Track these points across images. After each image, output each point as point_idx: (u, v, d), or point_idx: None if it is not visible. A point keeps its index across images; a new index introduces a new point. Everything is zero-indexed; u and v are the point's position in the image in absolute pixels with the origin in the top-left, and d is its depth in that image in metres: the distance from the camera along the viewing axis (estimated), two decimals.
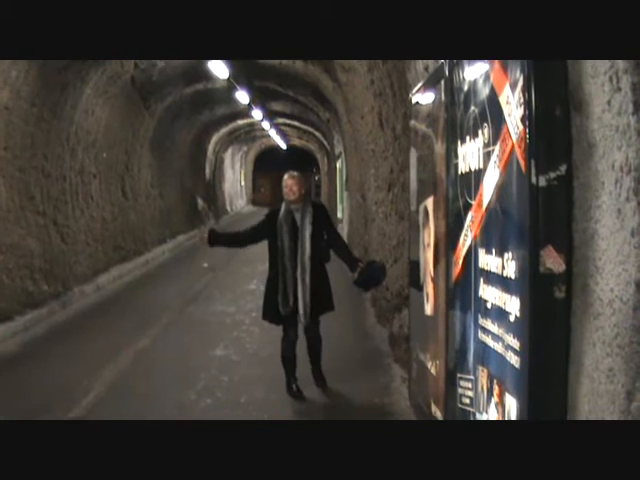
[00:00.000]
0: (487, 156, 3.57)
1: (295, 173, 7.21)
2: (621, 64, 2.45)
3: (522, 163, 3.02)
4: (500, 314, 3.40)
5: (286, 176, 7.11)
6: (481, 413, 3.86)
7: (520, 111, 3.04)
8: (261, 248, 7.43)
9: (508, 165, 3.24)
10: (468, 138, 3.97)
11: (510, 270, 3.24)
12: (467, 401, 4.14)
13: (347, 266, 7.15)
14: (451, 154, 4.39)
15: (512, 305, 3.21)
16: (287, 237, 6.95)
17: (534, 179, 2.91)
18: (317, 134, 31.83)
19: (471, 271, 3.95)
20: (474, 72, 3.83)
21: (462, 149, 4.13)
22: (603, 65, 2.57)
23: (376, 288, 7.47)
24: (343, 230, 20.00)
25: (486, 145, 3.60)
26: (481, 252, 3.75)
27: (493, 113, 3.47)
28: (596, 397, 2.70)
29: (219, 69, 15.21)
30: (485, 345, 3.71)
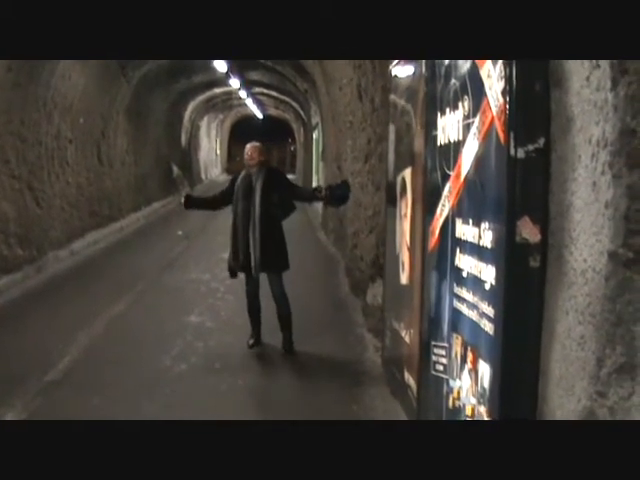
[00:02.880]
0: (467, 128, 3.63)
1: (256, 143, 7.76)
2: None
3: (501, 135, 3.09)
4: (475, 283, 3.48)
5: (248, 145, 7.68)
6: (454, 380, 3.95)
7: (501, 85, 3.10)
8: None
9: (487, 137, 3.30)
10: (448, 110, 4.03)
11: (486, 240, 3.32)
12: (441, 368, 4.23)
13: (315, 200, 7.76)
14: (430, 126, 4.45)
15: (488, 274, 3.29)
16: (242, 198, 7.40)
17: (513, 151, 2.98)
18: (294, 104, 31.67)
19: (448, 241, 4.02)
20: None
21: (441, 121, 4.19)
22: None
23: (344, 203, 7.80)
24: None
25: (466, 117, 3.66)
26: (458, 222, 3.82)
27: (474, 86, 3.53)
28: (567, 363, 2.78)
29: None
30: (460, 313, 3.79)
